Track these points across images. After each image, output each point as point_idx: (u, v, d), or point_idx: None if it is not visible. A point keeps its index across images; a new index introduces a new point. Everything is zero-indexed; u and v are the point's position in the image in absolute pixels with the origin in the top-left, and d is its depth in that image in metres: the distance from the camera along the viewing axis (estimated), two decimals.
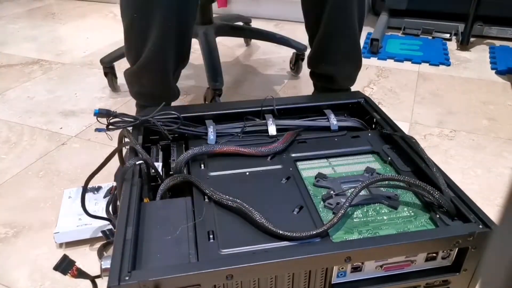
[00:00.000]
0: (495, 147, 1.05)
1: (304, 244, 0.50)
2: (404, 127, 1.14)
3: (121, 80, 1.22)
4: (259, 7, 1.97)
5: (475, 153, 1.03)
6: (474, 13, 1.58)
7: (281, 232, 0.50)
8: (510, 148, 1.05)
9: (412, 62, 1.54)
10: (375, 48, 1.58)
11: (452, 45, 1.71)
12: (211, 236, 0.51)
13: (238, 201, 0.54)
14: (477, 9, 1.58)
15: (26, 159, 1.01)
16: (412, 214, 0.54)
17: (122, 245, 0.47)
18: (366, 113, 0.78)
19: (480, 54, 1.62)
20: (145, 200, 0.59)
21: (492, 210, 0.85)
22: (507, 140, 1.08)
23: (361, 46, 0.91)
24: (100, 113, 0.65)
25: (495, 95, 1.31)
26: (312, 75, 1.01)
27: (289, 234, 0.50)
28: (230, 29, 1.48)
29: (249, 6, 1.98)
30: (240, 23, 1.66)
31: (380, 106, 1.24)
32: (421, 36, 1.78)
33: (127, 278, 0.43)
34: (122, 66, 1.19)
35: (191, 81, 1.41)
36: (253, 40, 1.71)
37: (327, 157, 0.67)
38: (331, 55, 0.92)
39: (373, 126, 0.76)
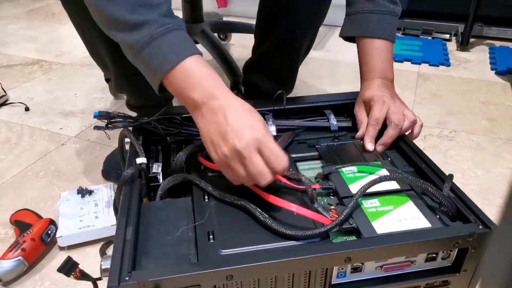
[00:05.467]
0: (494, 148, 1.05)
1: (304, 245, 0.50)
2: None
3: None
4: None
5: (475, 153, 1.03)
6: (474, 13, 1.58)
7: (286, 231, 0.50)
8: (510, 149, 1.05)
9: (412, 63, 1.54)
10: None
11: (452, 46, 1.71)
12: (211, 236, 0.51)
13: (243, 200, 0.54)
14: (477, 10, 1.58)
15: (26, 160, 1.01)
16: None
17: (122, 245, 0.47)
18: None
19: (480, 55, 1.62)
20: (145, 200, 0.59)
21: (492, 210, 0.85)
22: (507, 140, 1.08)
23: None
24: (100, 116, 0.65)
25: (495, 96, 1.31)
26: (243, 81, 1.03)
27: (292, 233, 0.50)
28: (223, 25, 1.46)
29: (249, 6, 1.98)
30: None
31: None
32: (421, 36, 1.78)
33: (127, 278, 0.43)
34: None
35: None
36: (234, 38, 1.72)
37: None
38: (266, 71, 0.95)
39: None
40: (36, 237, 0.73)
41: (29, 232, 0.73)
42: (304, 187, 0.56)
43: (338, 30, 0.80)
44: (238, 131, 0.50)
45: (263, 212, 0.53)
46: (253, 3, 0.99)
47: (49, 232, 0.75)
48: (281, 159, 0.51)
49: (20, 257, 0.70)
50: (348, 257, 0.47)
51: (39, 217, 0.80)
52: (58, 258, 0.74)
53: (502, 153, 1.03)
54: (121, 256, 0.46)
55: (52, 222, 0.77)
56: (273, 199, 0.54)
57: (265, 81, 0.96)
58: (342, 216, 0.51)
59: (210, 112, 0.52)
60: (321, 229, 0.50)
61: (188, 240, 0.50)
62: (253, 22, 1.54)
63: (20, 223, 0.77)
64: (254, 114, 0.53)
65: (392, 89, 0.74)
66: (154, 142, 0.71)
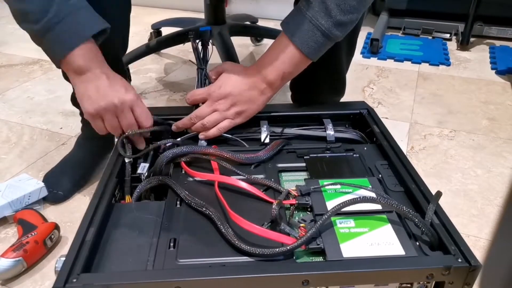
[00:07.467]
0: (495, 147, 1.05)
1: (262, 263, 0.47)
2: (404, 127, 1.14)
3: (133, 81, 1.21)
4: (259, 7, 1.97)
5: (475, 153, 1.03)
6: (474, 13, 1.58)
7: (245, 248, 0.48)
8: (510, 148, 1.05)
9: (412, 62, 1.54)
10: (375, 48, 1.58)
11: (452, 45, 1.71)
12: (171, 244, 0.50)
13: (211, 208, 0.53)
14: (477, 9, 1.58)
15: (26, 159, 1.01)
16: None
17: (79, 246, 0.46)
18: (368, 125, 0.74)
19: (480, 54, 1.62)
20: (127, 198, 0.60)
21: (492, 210, 0.85)
22: (507, 140, 1.08)
23: (346, 77, 0.92)
24: None
25: (495, 95, 1.32)
26: (293, 98, 1.00)
27: (249, 249, 0.47)
28: (243, 29, 1.48)
29: (249, 6, 1.98)
30: (248, 23, 1.66)
31: (380, 106, 1.24)
32: (421, 36, 1.78)
33: (74, 280, 0.42)
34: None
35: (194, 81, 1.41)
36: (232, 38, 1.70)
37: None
38: (315, 85, 0.90)
39: (374, 139, 0.72)
40: (40, 240, 0.72)
41: (33, 234, 0.73)
42: (274, 200, 0.54)
43: None
44: (118, 90, 0.63)
45: (227, 225, 0.51)
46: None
47: (52, 236, 0.75)
48: (148, 118, 0.66)
49: (20, 258, 0.69)
50: (306, 279, 0.44)
51: (44, 218, 0.79)
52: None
53: (502, 153, 1.03)
54: (75, 257, 0.45)
55: (56, 227, 0.76)
56: (237, 219, 0.51)
57: (313, 96, 0.92)
58: (305, 237, 0.48)
59: (92, 77, 0.63)
60: (282, 248, 0.47)
61: (151, 245, 0.49)
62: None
63: (24, 222, 0.77)
64: (128, 84, 0.66)
65: (252, 88, 0.69)
66: (150, 141, 0.71)
